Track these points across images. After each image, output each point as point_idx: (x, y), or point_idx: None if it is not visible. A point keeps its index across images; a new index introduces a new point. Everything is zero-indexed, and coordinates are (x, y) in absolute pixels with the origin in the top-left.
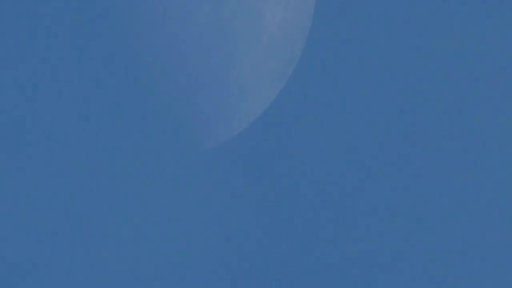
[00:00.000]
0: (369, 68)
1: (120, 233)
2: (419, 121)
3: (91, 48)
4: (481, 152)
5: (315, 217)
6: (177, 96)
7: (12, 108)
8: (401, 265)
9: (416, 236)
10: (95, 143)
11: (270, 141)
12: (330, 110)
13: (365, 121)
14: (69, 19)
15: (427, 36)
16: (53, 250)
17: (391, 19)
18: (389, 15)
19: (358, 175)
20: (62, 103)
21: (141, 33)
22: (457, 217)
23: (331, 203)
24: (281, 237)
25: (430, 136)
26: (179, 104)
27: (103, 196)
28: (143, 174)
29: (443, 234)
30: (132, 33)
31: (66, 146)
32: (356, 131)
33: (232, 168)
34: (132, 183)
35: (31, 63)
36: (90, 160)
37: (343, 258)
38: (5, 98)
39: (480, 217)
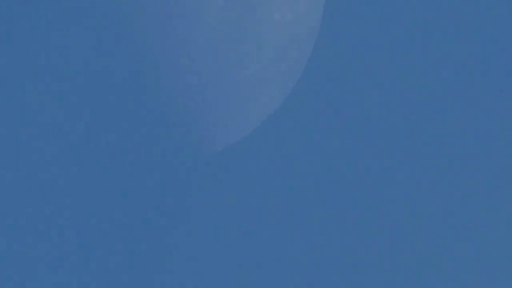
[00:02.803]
0: (379, 69)
1: (124, 235)
2: (433, 121)
3: (98, 48)
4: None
5: (322, 217)
6: (186, 97)
7: (14, 109)
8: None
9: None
10: (100, 144)
11: (280, 142)
12: (340, 111)
13: (376, 120)
14: (75, 19)
15: (440, 39)
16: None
17: (402, 20)
18: (400, 16)
19: (367, 176)
20: (67, 104)
21: (149, 34)
22: (457, 219)
23: (340, 203)
24: (285, 237)
25: (444, 139)
26: (188, 105)
27: (107, 197)
28: (150, 175)
29: (442, 235)
30: (140, 33)
31: (69, 148)
32: (366, 131)
33: (242, 168)
34: (138, 185)
35: (33, 63)
36: (95, 162)
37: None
38: (5, 98)
39: (480, 218)
